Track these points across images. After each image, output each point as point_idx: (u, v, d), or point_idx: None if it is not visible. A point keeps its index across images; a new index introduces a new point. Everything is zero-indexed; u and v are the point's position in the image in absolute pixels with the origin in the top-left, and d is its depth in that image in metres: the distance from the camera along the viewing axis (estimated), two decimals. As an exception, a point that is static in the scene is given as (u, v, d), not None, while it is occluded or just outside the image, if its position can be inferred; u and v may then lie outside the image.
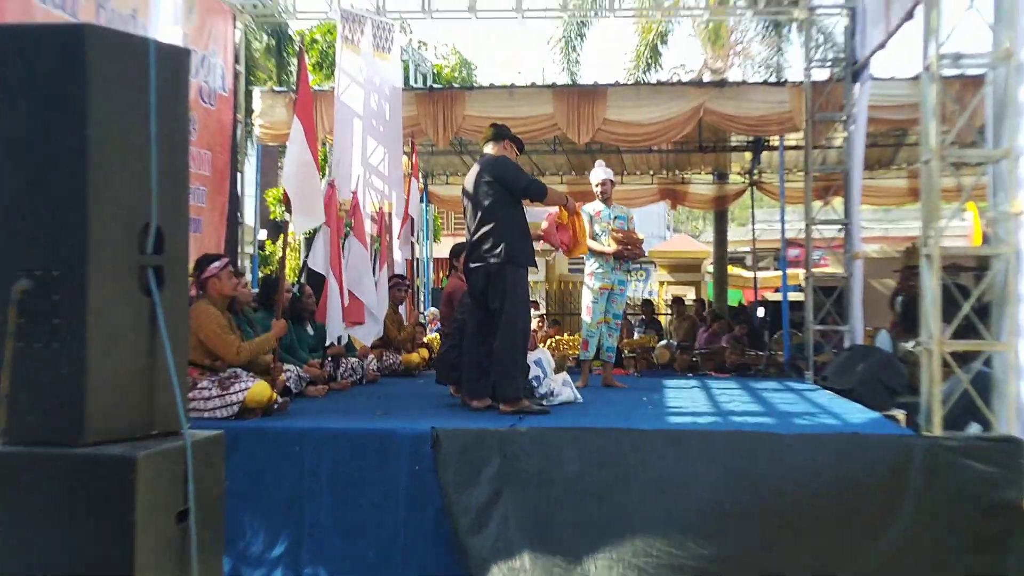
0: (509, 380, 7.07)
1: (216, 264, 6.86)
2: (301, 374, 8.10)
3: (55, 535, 3.29)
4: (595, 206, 9.33)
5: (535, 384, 7.53)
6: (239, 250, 12.01)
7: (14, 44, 3.49)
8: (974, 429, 6.13)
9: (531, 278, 8.22)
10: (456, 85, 21.03)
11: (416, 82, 17.44)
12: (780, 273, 13.17)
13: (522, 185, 7.31)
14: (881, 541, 5.59)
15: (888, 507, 5.62)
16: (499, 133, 7.69)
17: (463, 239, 8.45)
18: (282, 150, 21.22)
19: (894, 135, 14.46)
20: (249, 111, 12.63)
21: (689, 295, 21.25)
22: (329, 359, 8.95)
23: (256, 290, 8.99)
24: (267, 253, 22.80)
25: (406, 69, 15.09)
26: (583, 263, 9.47)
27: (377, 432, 6.11)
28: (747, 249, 24.23)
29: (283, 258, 7.97)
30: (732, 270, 22.43)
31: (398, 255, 11.98)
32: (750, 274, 21.08)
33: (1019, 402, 5.87)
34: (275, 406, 6.73)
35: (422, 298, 16.71)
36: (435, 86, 15.60)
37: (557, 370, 8.40)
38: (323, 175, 12.13)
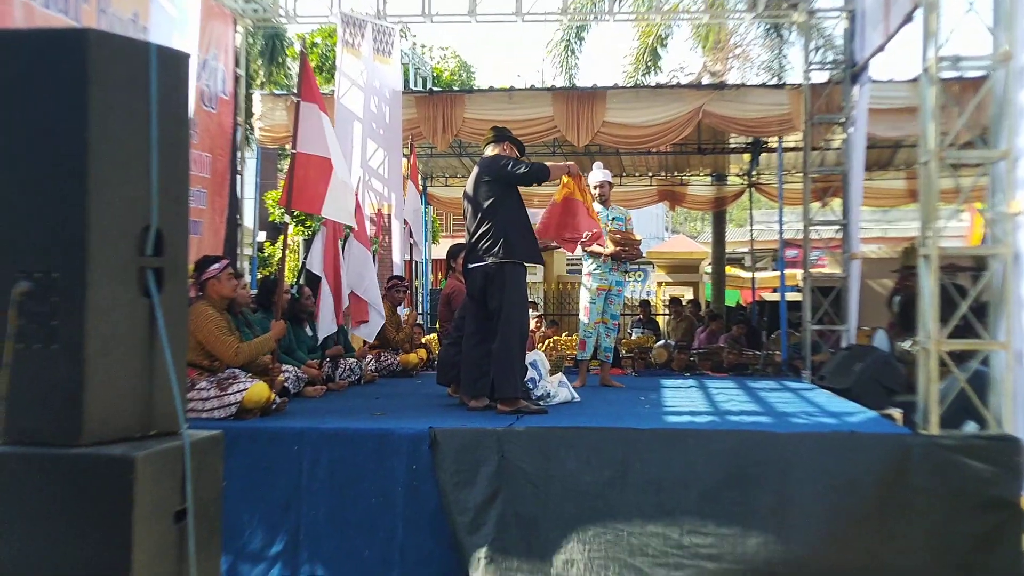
0: (507, 380, 7.09)
1: (216, 266, 6.88)
2: (299, 375, 8.13)
3: (54, 535, 3.30)
4: (593, 207, 9.34)
5: (531, 386, 7.55)
6: (238, 252, 12.03)
7: (16, 48, 3.52)
8: (971, 428, 6.15)
9: (529, 279, 8.22)
10: (456, 88, 21.08)
11: (416, 85, 17.46)
12: (778, 273, 13.20)
13: (520, 172, 7.30)
14: (878, 538, 5.62)
15: (885, 505, 5.65)
16: (499, 135, 7.72)
17: (462, 240, 8.46)
18: (281, 152, 21.30)
19: (893, 137, 14.48)
20: (249, 114, 12.66)
21: (687, 296, 21.25)
22: (327, 360, 8.98)
23: (255, 291, 9.01)
24: (266, 255, 22.85)
25: (406, 72, 15.10)
26: (581, 264, 9.49)
27: (375, 432, 6.13)
28: (745, 250, 24.23)
29: (282, 259, 8.00)
30: (730, 271, 22.46)
31: (397, 257, 12.01)
32: (748, 275, 21.10)
33: (1015, 401, 5.89)
34: (273, 406, 6.75)
35: (420, 299, 16.73)
36: (435, 89, 15.62)
37: (555, 370, 8.43)
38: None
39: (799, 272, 12.15)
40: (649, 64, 20.72)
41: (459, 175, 17.73)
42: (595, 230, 8.10)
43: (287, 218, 8.21)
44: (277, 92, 13.36)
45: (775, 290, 16.70)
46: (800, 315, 11.15)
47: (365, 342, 10.34)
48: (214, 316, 6.63)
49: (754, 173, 17.61)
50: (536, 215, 8.13)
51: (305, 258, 10.84)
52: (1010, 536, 5.57)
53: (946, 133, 6.38)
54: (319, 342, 8.92)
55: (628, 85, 17.72)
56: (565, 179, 8.02)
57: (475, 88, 18.58)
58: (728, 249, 21.97)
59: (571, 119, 11.92)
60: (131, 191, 3.53)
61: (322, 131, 7.69)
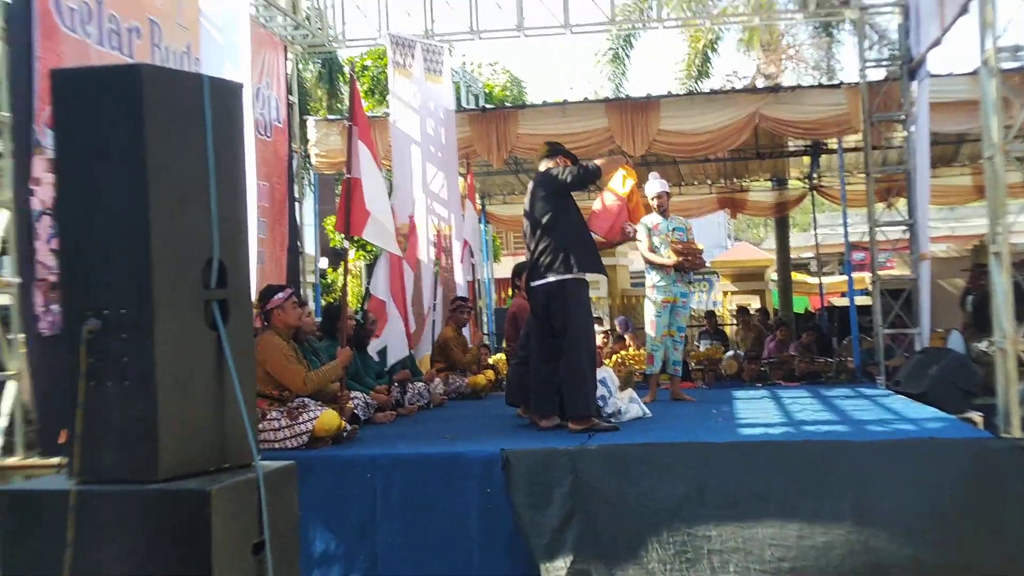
0: (578, 397, 7.02)
1: (280, 295, 6.89)
2: (368, 401, 8.11)
3: (133, 571, 3.30)
4: (652, 218, 9.28)
5: (601, 404, 7.47)
6: (301, 279, 12.09)
7: (73, 88, 3.56)
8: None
9: (593, 293, 8.14)
10: (508, 104, 21.09)
11: (468, 103, 17.47)
12: (845, 278, 13.00)
13: (569, 178, 7.22)
14: (963, 545, 5.47)
15: (969, 511, 5.50)
16: (553, 149, 7.69)
17: (523, 258, 8.41)
18: (338, 178, 21.43)
19: (956, 132, 14.24)
20: (305, 140, 12.74)
21: (754, 304, 21.04)
22: (396, 385, 8.97)
23: (319, 319, 9.02)
24: (329, 281, 22.97)
25: (457, 91, 15.12)
26: (644, 277, 9.42)
27: (446, 456, 6.11)
28: (811, 255, 23.94)
29: (345, 285, 8.00)
30: (796, 277, 22.20)
31: (459, 277, 11.99)
32: (815, 280, 20.84)
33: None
34: (344, 434, 6.74)
35: (485, 319, 16.71)
36: (487, 106, 15.62)
37: (624, 386, 8.34)
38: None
39: (867, 275, 11.96)
40: (701, 70, 20.63)
41: (517, 192, 17.70)
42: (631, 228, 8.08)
43: (347, 244, 8.20)
44: (331, 117, 13.40)
45: (843, 295, 16.45)
46: (871, 319, 10.96)
47: (433, 364, 10.32)
48: (281, 346, 6.63)
49: (815, 176, 17.38)
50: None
51: (368, 283, 10.85)
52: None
53: (1010, 126, 6.24)
54: (387, 367, 8.91)
55: (681, 92, 17.61)
56: (624, 169, 7.98)
57: (528, 103, 18.56)
58: (793, 255, 21.71)
59: (626, 129, 11.85)
60: (192, 224, 3.53)
61: (358, 157, 7.76)
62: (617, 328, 14.02)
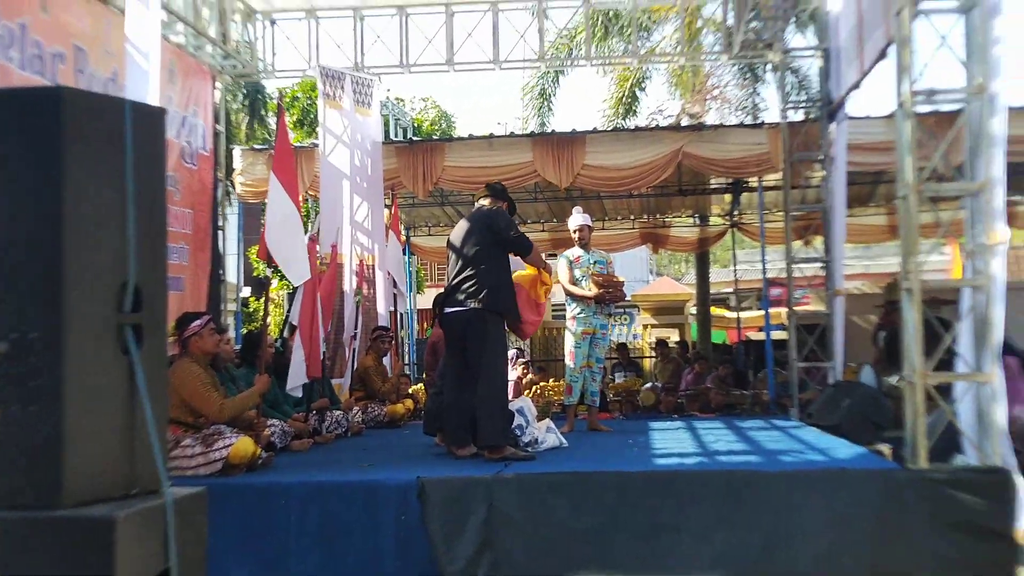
0: (493, 427, 7.06)
1: (198, 322, 6.85)
2: (286, 428, 8.08)
3: (37, 598, 3.26)
4: (574, 251, 9.39)
5: (518, 433, 7.51)
6: (222, 307, 12.01)
7: (-8, 108, 3.52)
8: (960, 461, 6.13)
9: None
10: (436, 137, 21.16)
11: (396, 135, 17.53)
12: (763, 312, 13.20)
13: (511, 235, 7.43)
14: (871, 574, 5.58)
15: (878, 541, 5.61)
16: (496, 192, 7.85)
17: (445, 289, 8.46)
18: (264, 208, 21.34)
19: (872, 173, 14.55)
20: (230, 170, 12.69)
21: (673, 337, 21.24)
22: (313, 412, 8.93)
23: (239, 347, 8.97)
24: (251, 310, 22.79)
25: (386, 123, 15.17)
26: (565, 309, 9.50)
27: (363, 484, 6.09)
28: (730, 290, 24.27)
29: (266, 313, 7.98)
30: (716, 311, 22.43)
31: (381, 307, 11.99)
32: (733, 314, 21.11)
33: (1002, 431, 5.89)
34: (259, 461, 6.69)
35: (407, 349, 16.69)
36: (415, 139, 15.67)
37: (542, 416, 8.39)
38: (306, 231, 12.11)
39: (784, 310, 12.17)
40: (628, 107, 20.85)
41: (442, 224, 17.76)
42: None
43: (270, 272, 8.19)
44: (257, 147, 13.38)
45: (760, 329, 16.69)
46: (786, 353, 11.14)
47: (352, 393, 10.30)
48: (197, 372, 6.59)
49: (736, 213, 17.65)
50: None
51: (289, 311, 10.81)
52: (1004, 568, 5.53)
53: (923, 167, 6.41)
54: (302, 395, 8.86)
55: (607, 129, 17.81)
56: (539, 287, 8.14)
57: (455, 136, 18.64)
58: (713, 290, 21.96)
59: (551, 163, 11.98)
60: (108, 248, 3.51)
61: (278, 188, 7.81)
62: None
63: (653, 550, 5.63)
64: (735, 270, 19.41)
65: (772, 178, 13.38)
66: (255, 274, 21.88)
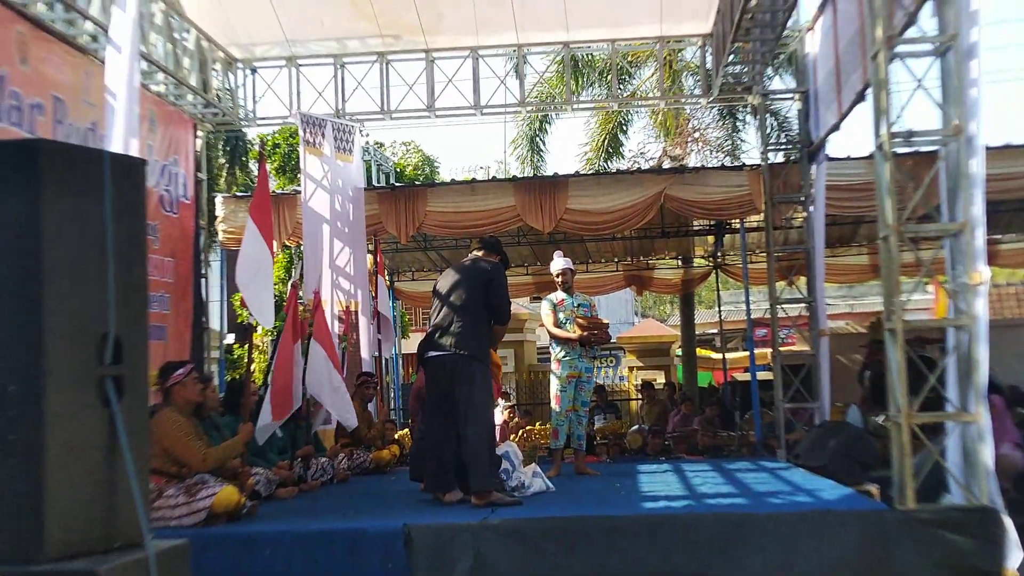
0: (481, 472, 7.03)
1: (180, 371, 6.81)
2: (271, 477, 8.01)
3: (17, 656, 3.21)
4: (558, 295, 9.40)
5: (505, 477, 7.48)
6: (206, 355, 11.96)
7: (-34, 162, 3.50)
8: (948, 500, 6.11)
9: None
10: (418, 182, 21.22)
11: (379, 181, 17.54)
12: (748, 353, 13.21)
13: (502, 300, 7.47)
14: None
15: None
16: (493, 246, 7.91)
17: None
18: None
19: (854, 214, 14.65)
20: (213, 217, 12.69)
21: (659, 379, 21.22)
22: (298, 460, 8.86)
23: (223, 394, 8.91)
24: (235, 357, 22.70)
25: (369, 169, 15.19)
26: (549, 352, 9.48)
27: (348, 532, 6.03)
28: (715, 331, 24.31)
29: (249, 361, 7.95)
30: (701, 352, 22.48)
31: (365, 353, 11.96)
32: (719, 355, 21.12)
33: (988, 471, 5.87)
34: (244, 510, 6.62)
35: (392, 395, 16.63)
36: (396, 184, 15.71)
37: (528, 460, 8.36)
38: (288, 276, 12.10)
39: (769, 351, 12.18)
40: (611, 150, 20.95)
41: (426, 269, 17.77)
42: None
43: (253, 319, 8.16)
44: (239, 194, 13.38)
45: (746, 370, 16.69)
46: (772, 394, 11.14)
47: (337, 440, 10.23)
48: (180, 422, 6.54)
49: (719, 254, 17.70)
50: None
51: (272, 358, 10.76)
52: (994, 608, 5.51)
53: (904, 208, 6.44)
54: (286, 442, 8.79)
55: (589, 172, 17.87)
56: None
57: (437, 181, 18.70)
58: (698, 331, 22.02)
59: (534, 208, 12.00)
60: (88, 299, 3.49)
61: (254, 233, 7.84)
62: None
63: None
64: (720, 311, 19.44)
65: (754, 219, 13.44)
66: (239, 320, 21.82)
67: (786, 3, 9.51)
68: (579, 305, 9.37)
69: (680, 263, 18.92)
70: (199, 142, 11.82)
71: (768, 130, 12.98)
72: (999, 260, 16.81)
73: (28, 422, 3.29)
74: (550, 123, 21.55)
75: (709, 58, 12.28)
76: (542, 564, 5.70)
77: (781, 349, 11.52)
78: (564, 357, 9.19)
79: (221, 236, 12.74)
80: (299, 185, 11.60)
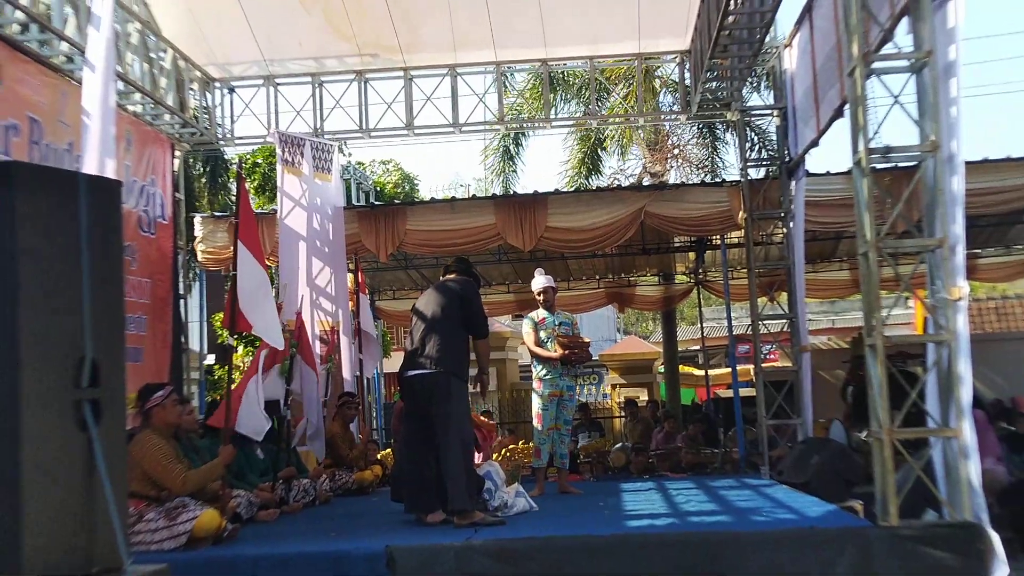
0: (460, 492, 7.00)
1: (159, 393, 6.76)
2: (252, 499, 7.93)
3: None
4: (539, 313, 9.38)
5: (487, 497, 7.45)
6: (185, 376, 11.88)
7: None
8: (931, 517, 6.11)
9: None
10: (397, 201, 21.19)
11: (359, 200, 17.53)
12: (731, 370, 13.21)
13: (475, 313, 7.55)
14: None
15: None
16: (466, 268, 8.01)
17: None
18: (226, 275, 21.27)
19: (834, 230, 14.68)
20: (191, 237, 12.63)
21: (642, 396, 21.20)
22: (280, 482, 8.80)
23: (202, 416, 8.84)
24: (216, 377, 22.56)
25: (348, 188, 15.16)
26: (531, 371, 9.46)
27: (331, 554, 5.98)
28: (697, 348, 24.33)
29: (230, 382, 7.88)
30: (684, 369, 22.48)
31: (347, 372, 11.90)
32: (702, 372, 21.14)
33: (971, 486, 5.86)
34: (225, 534, 6.56)
35: (374, 414, 16.56)
36: (376, 203, 15.68)
37: (511, 480, 8.32)
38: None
39: (752, 367, 12.19)
40: (591, 167, 20.98)
41: (407, 288, 17.73)
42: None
43: (233, 340, 8.11)
44: (218, 214, 13.34)
45: (729, 386, 16.71)
46: (755, 411, 11.13)
47: (319, 462, 10.17)
48: (159, 444, 6.48)
49: (700, 271, 17.72)
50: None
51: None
52: (979, 625, 5.49)
53: (882, 223, 6.45)
54: (267, 463, 8.74)
55: (569, 189, 17.88)
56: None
57: (417, 200, 18.68)
58: (680, 347, 22.03)
59: (514, 226, 11.99)
60: (64, 322, 3.47)
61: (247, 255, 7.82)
62: None
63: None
64: (702, 328, 19.46)
65: (735, 236, 13.46)
66: (219, 341, 21.65)
67: (763, 20, 9.53)
68: (560, 323, 9.35)
69: (661, 280, 18.95)
70: (177, 162, 11.76)
71: (749, 145, 13.02)
72: (978, 274, 16.89)
73: (4, 446, 3.26)
74: (525, 136, 21.58)
75: (687, 75, 12.31)
76: (526, 584, 5.67)
77: (764, 365, 11.52)
78: (546, 376, 9.17)
79: (200, 256, 12.69)
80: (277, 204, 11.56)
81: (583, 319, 10.91)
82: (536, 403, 9.26)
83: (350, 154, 23.31)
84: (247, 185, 8.84)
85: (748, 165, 11.83)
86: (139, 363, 9.82)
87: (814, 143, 9.90)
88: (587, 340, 9.65)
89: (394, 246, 12.27)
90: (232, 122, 12.60)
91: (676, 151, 22.02)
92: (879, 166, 6.64)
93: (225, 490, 7.11)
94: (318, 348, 10.85)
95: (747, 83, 13.36)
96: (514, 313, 19.27)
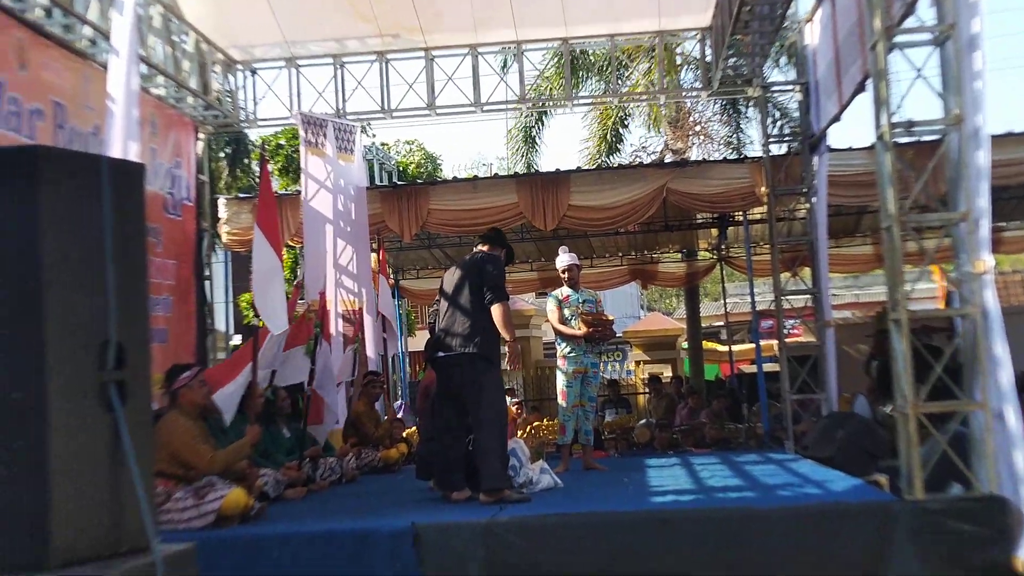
0: (494, 470, 7.02)
1: (187, 374, 6.81)
2: (279, 477, 8.00)
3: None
4: (563, 291, 9.39)
5: (512, 474, 7.47)
6: (211, 357, 11.96)
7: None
8: (956, 491, 6.10)
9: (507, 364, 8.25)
10: (420, 181, 21.21)
11: (381, 180, 17.55)
12: (754, 345, 13.19)
13: (490, 282, 7.30)
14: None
15: (878, 574, 5.57)
16: (497, 239, 7.88)
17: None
18: (251, 256, 21.33)
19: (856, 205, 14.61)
20: (215, 219, 12.69)
21: (666, 373, 21.18)
22: (307, 460, 8.86)
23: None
24: (242, 358, 22.69)
25: (371, 168, 15.18)
26: (555, 348, 9.48)
27: (357, 532, 6.02)
28: (721, 323, 24.28)
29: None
30: (707, 345, 22.42)
31: (371, 351, 11.95)
32: (725, 348, 21.10)
33: (1014, 472, 5.82)
34: (253, 512, 6.62)
35: (399, 392, 16.62)
36: (398, 183, 15.70)
37: (536, 456, 8.35)
38: (292, 277, 12.06)
39: (775, 343, 12.16)
40: (612, 144, 20.93)
41: (430, 267, 17.77)
42: None
43: (259, 321, 8.16)
44: (242, 196, 13.39)
45: (752, 362, 16.69)
46: (779, 386, 11.12)
47: (346, 440, 10.23)
48: (187, 425, 6.54)
49: (723, 247, 17.68)
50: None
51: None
52: (1005, 598, 5.49)
53: (906, 197, 6.42)
54: (305, 443, 8.80)
55: (591, 167, 17.85)
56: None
57: (439, 179, 18.68)
58: (704, 323, 21.98)
59: (536, 205, 11.99)
60: (89, 305, 3.49)
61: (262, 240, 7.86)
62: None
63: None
64: (725, 303, 19.41)
65: (758, 211, 13.43)
66: (245, 322, 21.79)
67: (784, -5, 9.49)
68: (584, 300, 9.37)
69: (684, 256, 18.91)
70: (200, 144, 11.82)
71: (770, 121, 12.96)
72: (1003, 247, 16.78)
73: (32, 429, 3.29)
74: (547, 116, 21.53)
75: (709, 51, 12.25)
76: (552, 560, 5.70)
77: (787, 340, 11.50)
78: (570, 353, 9.18)
79: (224, 238, 12.75)
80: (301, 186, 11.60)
81: (606, 296, 10.93)
82: (560, 380, 9.28)
83: (374, 135, 23.35)
84: (270, 167, 8.88)
85: (771, 141, 11.78)
86: (164, 344, 9.89)
87: (836, 118, 9.84)
88: (611, 317, 9.65)
89: (417, 226, 12.30)
90: (255, 104, 12.65)
91: (698, 128, 21.93)
92: (902, 140, 6.61)
93: (252, 469, 7.16)
94: (341, 327, 10.89)
95: (769, 59, 13.26)
96: (537, 291, 19.31)
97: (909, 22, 6.68)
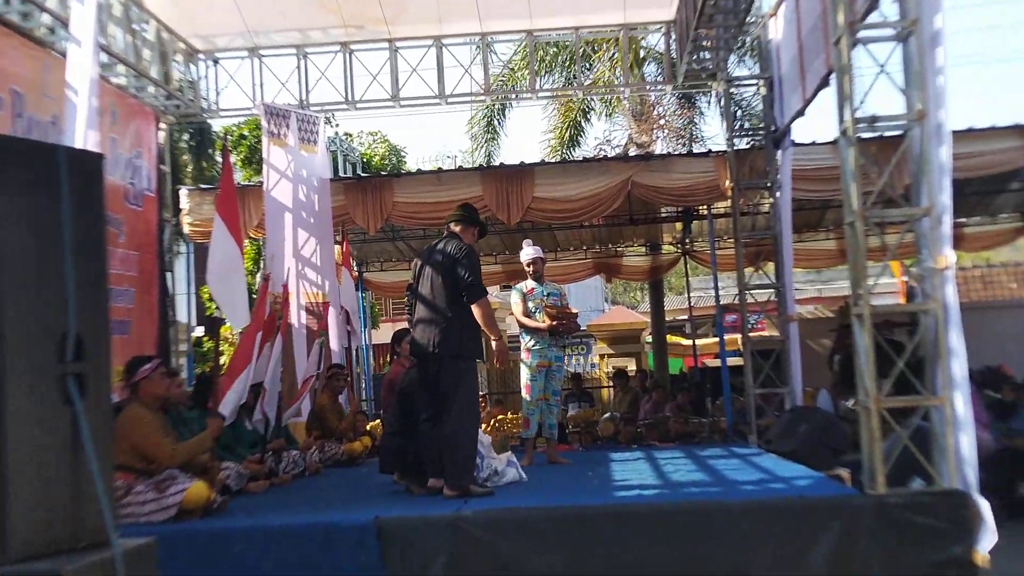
0: (462, 466, 7.01)
1: (147, 366, 6.75)
2: (241, 471, 7.94)
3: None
4: (528, 284, 9.38)
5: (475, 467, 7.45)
6: (173, 348, 11.86)
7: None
8: (918, 485, 6.14)
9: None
10: (384, 173, 21.12)
11: (346, 172, 17.44)
12: (718, 339, 13.23)
13: (468, 277, 7.17)
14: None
15: (839, 568, 5.59)
16: (469, 217, 7.73)
17: (402, 324, 8.39)
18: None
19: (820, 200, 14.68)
20: (177, 210, 12.58)
21: (631, 366, 21.23)
22: (269, 453, 8.80)
23: (191, 388, 8.83)
24: (204, 349, 22.55)
25: (335, 160, 15.09)
26: (520, 341, 9.46)
27: (320, 526, 5.98)
28: (685, 317, 24.35)
29: (217, 354, 7.89)
30: (671, 339, 22.50)
31: (335, 344, 11.89)
32: (689, 342, 21.17)
33: (959, 455, 5.88)
34: (214, 506, 6.57)
35: (363, 385, 16.56)
36: (362, 175, 15.63)
37: (500, 450, 8.33)
38: (258, 268, 11.96)
39: (739, 337, 12.21)
40: (574, 136, 20.91)
41: (394, 259, 17.69)
42: None
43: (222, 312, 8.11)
44: (204, 187, 13.29)
45: (716, 356, 16.76)
46: (743, 380, 11.15)
47: (309, 433, 10.16)
48: (147, 418, 6.47)
49: (687, 241, 17.72)
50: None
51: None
52: (965, 590, 5.53)
53: (869, 192, 6.45)
54: (264, 435, 8.73)
55: (555, 160, 17.83)
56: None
57: (403, 171, 18.62)
58: (668, 317, 22.04)
59: (501, 198, 11.97)
60: (47, 297, 3.44)
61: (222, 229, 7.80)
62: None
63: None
64: (689, 297, 19.47)
65: (722, 206, 13.46)
66: (207, 313, 21.63)
67: (749, -11, 9.52)
68: (549, 294, 9.36)
69: (648, 250, 18.93)
70: (162, 134, 11.72)
71: (734, 116, 12.99)
72: (964, 244, 16.91)
73: (-11, 423, 3.24)
74: (509, 107, 21.47)
75: (673, 45, 12.27)
76: (516, 554, 5.68)
77: (751, 335, 11.54)
78: (534, 346, 9.17)
79: (187, 229, 12.65)
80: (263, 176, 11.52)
81: (571, 289, 10.94)
82: (524, 374, 9.26)
83: (337, 125, 23.22)
84: (232, 158, 8.79)
85: (735, 135, 11.80)
86: (126, 336, 9.80)
87: (800, 112, 9.89)
88: (575, 311, 9.66)
89: (382, 218, 12.24)
90: (217, 94, 12.54)
91: (662, 121, 21.97)
92: (865, 135, 6.64)
93: (214, 462, 7.11)
94: (305, 320, 10.83)
95: (732, 53, 13.29)
96: (502, 284, 19.27)
97: (872, 17, 6.71)
